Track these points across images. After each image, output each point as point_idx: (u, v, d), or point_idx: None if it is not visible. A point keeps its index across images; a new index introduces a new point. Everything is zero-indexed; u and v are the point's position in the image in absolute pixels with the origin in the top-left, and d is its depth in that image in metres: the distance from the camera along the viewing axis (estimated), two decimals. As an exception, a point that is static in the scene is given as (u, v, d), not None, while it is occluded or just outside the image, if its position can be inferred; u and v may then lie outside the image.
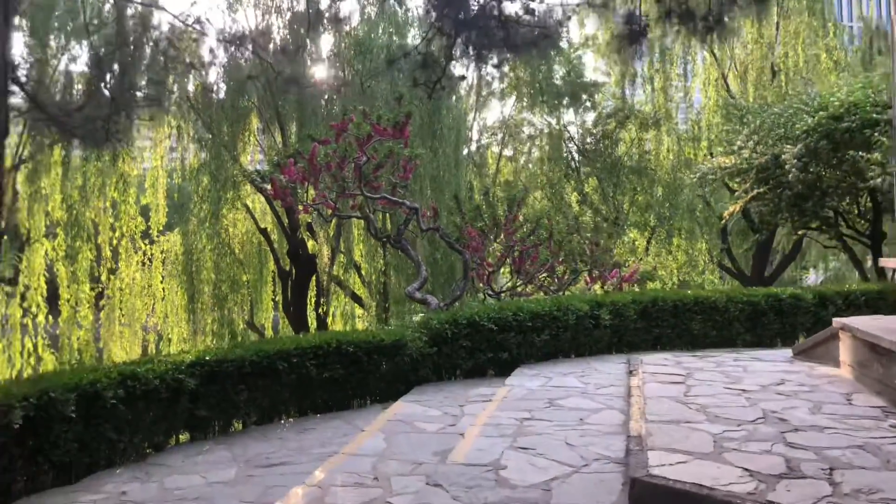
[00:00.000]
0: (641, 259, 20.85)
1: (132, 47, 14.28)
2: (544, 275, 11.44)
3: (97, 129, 6.62)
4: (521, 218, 11.37)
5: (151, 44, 16.00)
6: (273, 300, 21.88)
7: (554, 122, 22.72)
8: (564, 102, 22.59)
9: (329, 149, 10.47)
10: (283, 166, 10.72)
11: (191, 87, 18.26)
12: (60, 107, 7.17)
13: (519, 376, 8.50)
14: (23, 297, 18.08)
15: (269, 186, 11.42)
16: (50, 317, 18.53)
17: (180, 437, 7.52)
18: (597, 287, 12.12)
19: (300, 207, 11.28)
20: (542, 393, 7.58)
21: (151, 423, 6.99)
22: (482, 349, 9.10)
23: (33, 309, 18.13)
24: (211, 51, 9.65)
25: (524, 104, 22.85)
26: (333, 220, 16.61)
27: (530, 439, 5.83)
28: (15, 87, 8.33)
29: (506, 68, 22.00)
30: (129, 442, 6.79)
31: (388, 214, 14.60)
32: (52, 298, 18.26)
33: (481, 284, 11.28)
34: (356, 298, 19.73)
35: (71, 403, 6.20)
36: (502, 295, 11.20)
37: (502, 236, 10.94)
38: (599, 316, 9.81)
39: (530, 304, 9.57)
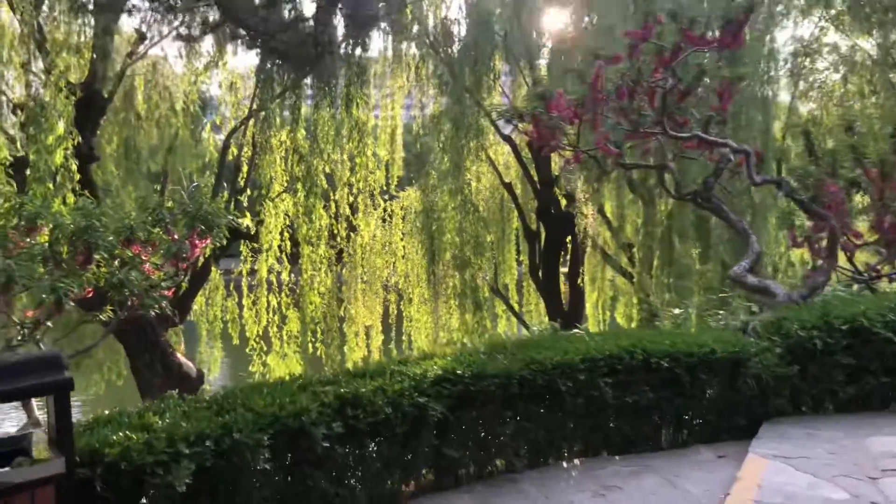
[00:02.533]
0: None
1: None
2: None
3: (306, 44, 4.47)
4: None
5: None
6: (517, 261, 19.66)
7: (874, 43, 17.60)
8: (889, 17, 17.37)
9: (617, 70, 7.56)
10: (548, 98, 8.01)
11: (430, 24, 16.24)
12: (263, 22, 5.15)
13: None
14: (266, 254, 17.47)
15: (526, 127, 8.85)
16: (292, 275, 17.82)
17: (421, 480, 5.24)
18: None
19: (567, 154, 8.56)
20: None
21: (380, 469, 4.75)
22: (871, 370, 5.77)
23: (276, 266, 17.45)
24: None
25: (834, 21, 17.97)
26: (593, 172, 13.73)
27: None
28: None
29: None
30: (349, 497, 4.60)
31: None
32: (294, 256, 17.48)
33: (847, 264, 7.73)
34: (622, 270, 16.68)
35: (264, 447, 4.08)
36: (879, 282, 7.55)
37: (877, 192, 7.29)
38: None
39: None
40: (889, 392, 5.85)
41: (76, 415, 3.68)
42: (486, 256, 16.21)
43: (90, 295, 7.60)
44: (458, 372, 5.06)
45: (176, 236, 7.76)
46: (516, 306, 19.39)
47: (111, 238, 7.47)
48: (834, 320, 5.79)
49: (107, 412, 4.35)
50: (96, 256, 7.49)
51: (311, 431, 4.26)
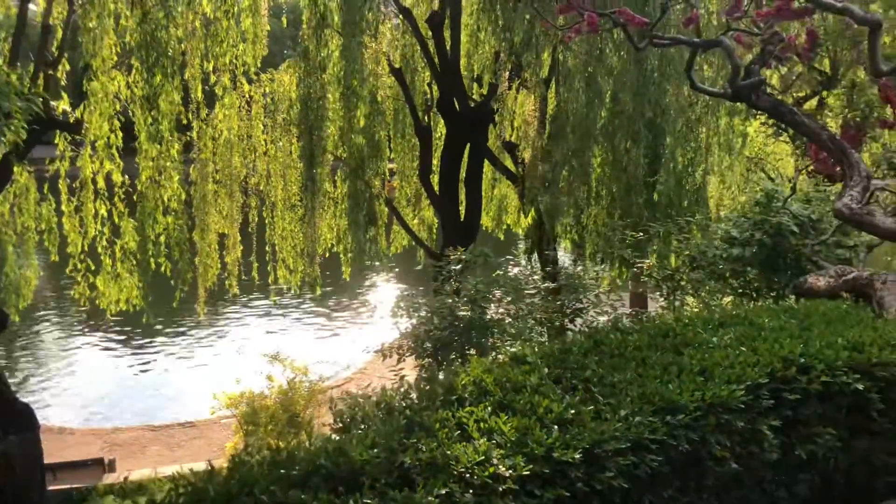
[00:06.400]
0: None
1: None
2: None
3: None
4: None
5: None
6: (389, 158, 16.69)
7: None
8: None
9: None
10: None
11: None
12: None
13: None
14: (93, 148, 13.40)
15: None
16: (127, 176, 13.89)
17: None
18: None
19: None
20: None
21: None
22: None
23: (106, 164, 13.45)
24: None
25: None
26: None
27: None
28: None
29: None
30: None
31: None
32: (128, 151, 13.54)
33: None
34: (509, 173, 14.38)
35: None
36: None
37: None
38: None
39: None
40: None
41: None
42: (384, 160, 13.33)
43: None
44: (557, 455, 2.47)
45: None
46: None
47: None
48: None
49: None
50: None
51: None
